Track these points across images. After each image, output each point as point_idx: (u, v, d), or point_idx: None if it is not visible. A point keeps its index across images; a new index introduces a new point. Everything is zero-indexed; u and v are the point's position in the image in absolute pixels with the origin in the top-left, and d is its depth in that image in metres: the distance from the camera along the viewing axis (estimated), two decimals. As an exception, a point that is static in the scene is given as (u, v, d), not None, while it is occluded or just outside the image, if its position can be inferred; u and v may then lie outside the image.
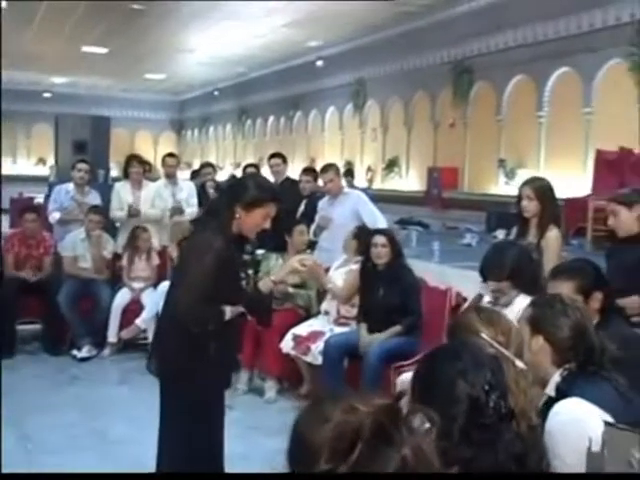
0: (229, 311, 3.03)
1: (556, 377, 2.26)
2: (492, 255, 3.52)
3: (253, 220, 3.04)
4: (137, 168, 7.08)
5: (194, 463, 3.07)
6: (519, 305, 3.33)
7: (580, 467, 1.70)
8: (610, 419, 2.01)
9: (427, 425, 0.99)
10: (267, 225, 3.11)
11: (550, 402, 2.16)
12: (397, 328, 4.90)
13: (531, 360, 2.35)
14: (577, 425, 1.92)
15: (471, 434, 1.31)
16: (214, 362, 3.01)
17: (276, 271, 5.71)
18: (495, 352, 1.90)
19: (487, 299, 3.46)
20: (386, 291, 4.98)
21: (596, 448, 1.63)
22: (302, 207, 6.83)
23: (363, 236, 5.42)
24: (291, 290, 5.70)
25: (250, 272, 3.26)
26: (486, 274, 3.48)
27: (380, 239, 5.00)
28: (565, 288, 2.97)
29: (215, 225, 3.01)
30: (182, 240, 6.27)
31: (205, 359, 2.98)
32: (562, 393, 2.17)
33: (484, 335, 1.98)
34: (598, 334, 2.30)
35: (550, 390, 2.28)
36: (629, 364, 2.28)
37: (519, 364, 1.93)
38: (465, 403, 1.34)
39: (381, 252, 4.97)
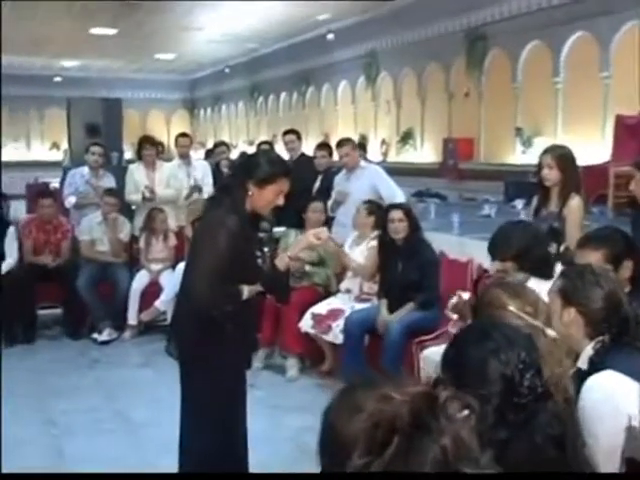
0: (246, 291, 3.00)
1: (589, 350, 2.21)
2: (498, 234, 3.35)
3: (266, 197, 3.00)
4: (150, 150, 7.03)
5: (217, 446, 3.05)
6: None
7: (616, 444, 1.65)
8: None
9: (466, 412, 0.94)
10: (280, 201, 3.06)
11: (583, 376, 2.11)
12: (411, 305, 4.88)
13: (563, 333, 2.30)
14: (611, 402, 1.87)
15: (506, 415, 1.26)
16: (233, 343, 2.98)
17: (284, 238, 5.76)
18: (525, 324, 1.85)
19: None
20: (404, 266, 4.94)
21: (635, 423, 1.58)
22: (318, 183, 6.77)
23: (377, 211, 5.38)
24: (308, 268, 5.67)
25: (266, 250, 3.21)
26: (492, 253, 3.37)
27: (397, 214, 4.95)
28: (594, 257, 2.90)
29: (228, 203, 2.97)
30: (196, 220, 6.25)
31: (224, 340, 2.95)
32: (595, 366, 2.12)
33: (511, 308, 1.93)
34: (632, 304, 2.24)
35: (583, 363, 2.24)
36: None
37: (550, 333, 1.88)
38: (499, 383, 1.30)
39: (398, 227, 4.92)
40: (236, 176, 3.15)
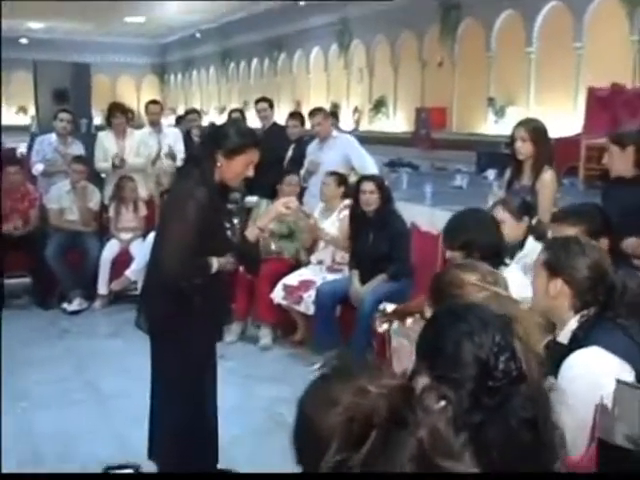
0: (216, 263, 2.98)
1: (573, 323, 2.22)
2: (449, 222, 3.30)
3: (235, 168, 2.96)
4: (120, 119, 6.89)
5: (188, 419, 3.05)
6: None
7: (587, 421, 1.67)
8: (630, 369, 1.98)
9: (442, 403, 0.93)
10: (250, 173, 3.03)
11: (563, 351, 2.13)
12: (382, 276, 4.88)
13: (549, 305, 2.31)
14: (591, 378, 1.88)
15: (481, 399, 1.26)
16: (202, 315, 2.97)
17: (256, 211, 5.74)
18: (490, 294, 1.85)
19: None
20: (375, 238, 4.94)
21: (607, 402, 1.60)
22: (290, 152, 6.74)
23: (344, 182, 5.44)
24: (274, 247, 5.65)
25: (236, 221, 3.18)
26: (443, 242, 3.34)
27: (368, 185, 4.93)
28: (571, 233, 2.92)
29: (196, 175, 2.93)
30: (164, 192, 6.18)
31: (193, 313, 2.94)
32: (578, 341, 2.13)
33: (473, 280, 1.92)
34: (617, 273, 2.25)
35: (564, 338, 2.25)
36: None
37: (516, 297, 1.89)
38: (473, 367, 1.29)
39: (370, 199, 4.91)
40: (205, 147, 3.10)
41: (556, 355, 2.15)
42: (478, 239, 3.00)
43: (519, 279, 2.86)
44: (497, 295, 1.86)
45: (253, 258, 3.37)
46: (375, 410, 0.91)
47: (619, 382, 1.67)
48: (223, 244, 3.03)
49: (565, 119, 12.76)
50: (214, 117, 27.41)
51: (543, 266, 2.34)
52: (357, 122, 19.94)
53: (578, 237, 2.44)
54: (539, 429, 1.25)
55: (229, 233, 3.07)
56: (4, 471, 2.86)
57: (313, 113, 6.30)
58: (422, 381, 1.29)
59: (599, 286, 2.23)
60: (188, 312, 2.93)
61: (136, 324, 3.11)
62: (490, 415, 1.25)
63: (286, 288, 5.27)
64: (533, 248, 3.31)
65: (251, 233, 3.14)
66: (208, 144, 3.07)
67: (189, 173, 3.00)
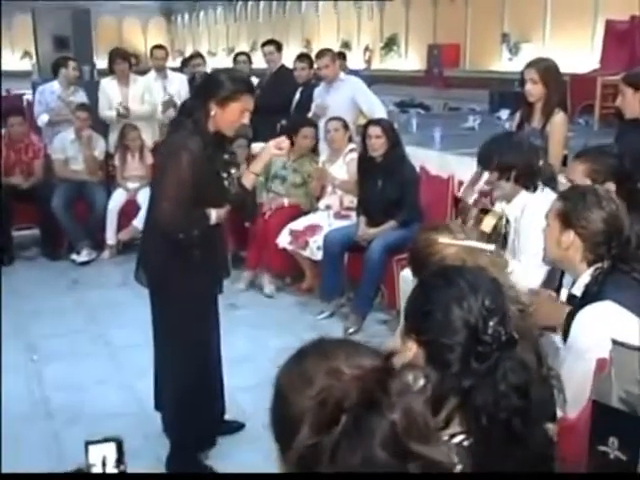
0: (214, 214, 2.97)
1: (586, 276, 2.20)
2: (485, 145, 3.43)
3: (230, 116, 2.92)
4: (121, 65, 6.76)
5: (190, 370, 3.07)
6: (520, 202, 3.24)
7: (586, 383, 1.66)
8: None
9: (421, 382, 0.92)
10: (245, 120, 3.01)
11: (576, 304, 2.11)
12: (392, 223, 4.85)
13: (561, 256, 2.29)
14: (601, 334, 1.86)
15: (470, 364, 1.26)
16: (202, 268, 2.97)
17: (279, 166, 5.70)
18: (461, 249, 1.84)
19: (474, 198, 3.38)
20: (384, 183, 4.89)
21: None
22: (297, 96, 6.63)
23: (347, 126, 5.45)
24: (286, 197, 5.63)
25: (233, 171, 3.16)
26: (480, 163, 3.40)
27: (375, 130, 4.86)
28: (577, 171, 2.91)
29: (190, 125, 2.89)
30: (157, 143, 6.13)
31: (192, 265, 2.94)
32: (591, 295, 2.11)
33: (442, 239, 1.90)
34: (633, 227, 2.21)
35: (577, 290, 2.23)
36: None
37: (488, 247, 1.89)
38: (462, 331, 1.28)
39: (376, 143, 4.84)
40: (197, 96, 3.05)
41: (570, 308, 2.14)
42: (513, 160, 3.18)
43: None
44: (467, 248, 1.86)
45: (249, 205, 3.37)
46: (346, 394, 0.90)
47: (615, 343, 1.65)
48: (220, 195, 3.01)
49: (582, 55, 12.49)
50: (222, 59, 27.07)
51: (557, 216, 2.30)
52: (368, 61, 19.62)
53: (596, 188, 2.39)
54: (529, 394, 1.24)
55: (226, 183, 3.04)
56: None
57: (320, 55, 6.18)
58: (410, 346, 1.28)
59: (613, 240, 2.19)
60: (187, 265, 2.93)
61: (135, 278, 3.13)
62: (480, 380, 1.25)
63: (292, 233, 5.27)
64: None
65: (247, 180, 3.13)
66: (201, 93, 3.03)
67: (182, 123, 2.96)
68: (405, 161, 4.98)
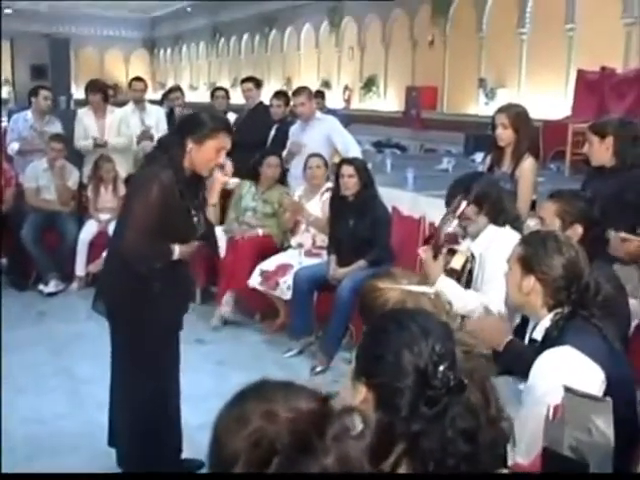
0: (177, 249, 2.95)
1: (546, 321, 2.21)
2: (458, 180, 3.49)
3: (206, 153, 2.92)
4: (95, 95, 6.74)
5: (146, 407, 3.02)
6: (486, 237, 3.29)
7: (539, 431, 1.66)
8: (600, 371, 1.97)
9: (360, 427, 0.91)
10: (220, 160, 3.01)
11: (537, 348, 2.12)
12: (361, 262, 4.85)
13: (523, 301, 2.30)
14: (558, 379, 1.86)
15: (419, 408, 1.25)
16: (162, 301, 2.94)
17: (249, 199, 5.72)
18: (402, 292, 1.87)
19: (454, 224, 3.41)
20: (355, 223, 4.91)
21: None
22: (273, 132, 6.67)
23: (326, 164, 5.46)
24: (258, 227, 5.65)
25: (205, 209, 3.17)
26: (451, 197, 3.43)
27: (347, 169, 4.89)
28: (549, 210, 2.97)
29: (164, 159, 2.90)
30: (130, 175, 6.12)
31: (152, 299, 2.91)
32: (551, 339, 2.12)
33: (383, 284, 1.94)
34: (592, 273, 2.23)
35: (538, 334, 2.24)
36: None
37: (429, 290, 1.92)
38: (412, 375, 1.28)
39: (348, 183, 4.87)
40: (175, 132, 3.08)
41: (530, 352, 2.15)
42: (490, 193, 3.31)
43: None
44: (409, 292, 1.90)
45: (211, 240, 3.39)
46: (279, 436, 0.89)
47: (567, 390, 1.65)
48: (188, 231, 3.00)
49: (556, 101, 12.71)
50: (203, 93, 27.22)
51: (518, 261, 2.32)
52: (347, 100, 19.81)
53: (556, 233, 2.41)
54: (477, 439, 1.23)
55: (195, 220, 3.04)
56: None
57: (296, 92, 6.24)
58: (360, 389, 1.27)
59: (573, 286, 2.20)
60: (146, 296, 2.90)
61: (93, 307, 3.10)
62: (428, 425, 1.24)
63: (263, 273, 5.25)
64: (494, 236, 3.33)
65: (211, 213, 3.16)
66: (179, 130, 3.05)
67: (157, 158, 2.96)
68: (377, 201, 5.00)
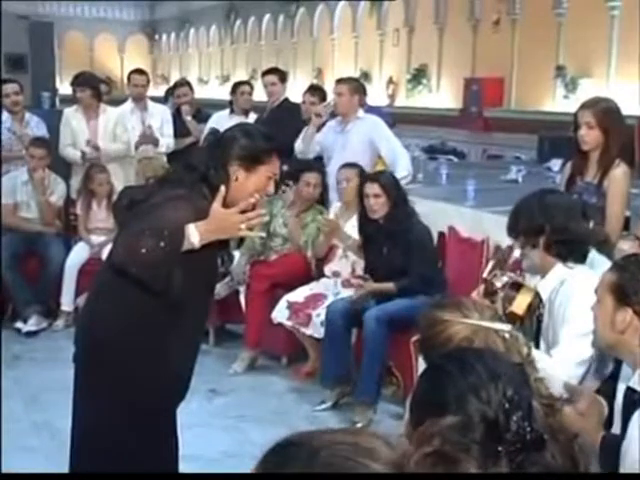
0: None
1: None
2: (517, 204, 3.36)
3: (256, 183, 2.86)
4: (85, 92, 6.78)
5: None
6: (555, 277, 3.14)
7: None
8: None
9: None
10: (270, 190, 3.00)
11: (635, 398, 2.12)
12: (390, 285, 4.93)
13: (615, 340, 2.30)
14: None
15: (487, 467, 1.27)
16: (169, 350, 2.87)
17: (279, 223, 5.78)
18: (471, 330, 1.89)
19: (504, 280, 3.35)
20: (389, 249, 4.99)
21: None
22: (303, 135, 6.71)
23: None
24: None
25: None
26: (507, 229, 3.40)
27: (372, 188, 4.96)
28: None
29: (201, 190, 2.80)
30: (150, 179, 6.19)
31: (157, 342, 2.85)
32: None
33: (448, 317, 1.95)
34: None
35: (635, 382, 2.24)
36: None
37: (504, 327, 1.93)
38: (479, 427, 1.30)
39: (375, 204, 4.95)
40: (214, 154, 2.91)
41: (628, 402, 2.15)
42: (541, 223, 3.08)
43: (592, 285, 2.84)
44: (477, 327, 1.92)
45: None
46: None
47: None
48: (208, 275, 3.01)
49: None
50: (215, 88, 27.53)
51: (609, 291, 2.32)
52: (392, 96, 19.92)
53: None
54: None
55: (219, 262, 3.05)
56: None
57: (339, 81, 6.34)
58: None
59: None
60: (150, 340, 2.84)
61: (75, 359, 2.99)
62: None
63: (291, 305, 5.30)
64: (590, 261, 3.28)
65: None
66: (217, 152, 2.92)
67: (194, 189, 2.81)
68: (412, 220, 5.05)
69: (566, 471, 1.30)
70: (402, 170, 5.87)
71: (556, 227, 3.10)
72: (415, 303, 4.77)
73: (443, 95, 18.79)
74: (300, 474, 0.99)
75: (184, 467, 3.21)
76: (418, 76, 19.27)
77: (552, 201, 3.25)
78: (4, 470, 3.95)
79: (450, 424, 1.28)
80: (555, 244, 3.11)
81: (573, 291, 2.96)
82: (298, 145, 6.37)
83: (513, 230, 3.25)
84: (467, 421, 1.31)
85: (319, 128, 6.43)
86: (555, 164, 8.70)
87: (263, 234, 5.42)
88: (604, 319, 2.34)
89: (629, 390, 2.33)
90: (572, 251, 3.14)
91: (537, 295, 3.17)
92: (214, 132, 6.74)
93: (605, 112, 4.21)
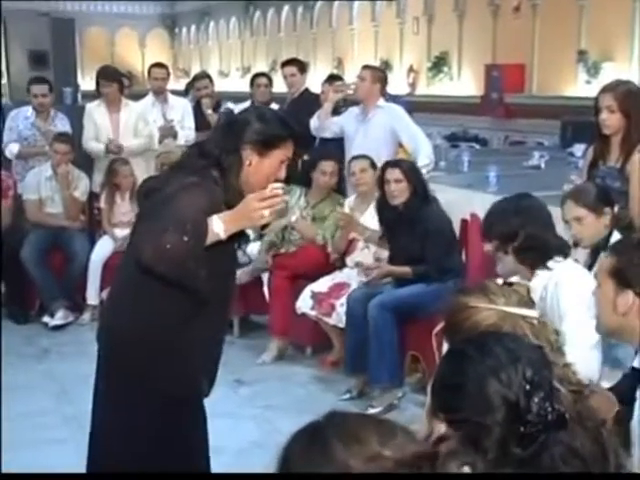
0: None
1: None
2: (491, 208, 3.42)
3: (269, 167, 2.81)
4: (108, 87, 6.86)
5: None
6: (543, 274, 3.20)
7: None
8: None
9: (466, 469, 0.95)
10: (282, 174, 2.88)
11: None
12: (406, 269, 4.95)
13: (617, 323, 2.29)
14: None
15: (510, 448, 1.28)
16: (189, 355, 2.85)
17: (296, 213, 5.77)
18: (498, 316, 1.89)
19: None
20: (409, 236, 4.97)
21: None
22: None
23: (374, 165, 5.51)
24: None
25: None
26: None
27: (393, 173, 4.97)
28: None
29: (213, 175, 2.76)
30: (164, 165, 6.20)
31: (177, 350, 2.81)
32: None
33: (474, 302, 1.94)
34: None
35: (638, 363, 2.24)
36: None
37: (532, 313, 1.92)
38: (501, 409, 1.31)
39: (395, 190, 4.95)
40: (226, 139, 2.86)
41: (632, 383, 2.15)
42: (514, 228, 3.16)
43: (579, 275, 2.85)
44: (504, 313, 1.91)
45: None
46: None
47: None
48: (226, 267, 2.96)
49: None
50: (236, 80, 27.57)
51: (610, 274, 2.31)
52: (412, 84, 19.85)
53: None
54: None
55: (239, 254, 3.02)
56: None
57: (364, 67, 6.37)
58: (438, 428, 1.31)
59: None
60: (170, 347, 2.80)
61: (98, 355, 2.98)
62: (522, 468, 1.27)
63: (315, 295, 5.31)
64: None
65: None
66: (230, 136, 2.86)
67: (196, 169, 2.80)
68: (431, 207, 5.06)
69: (593, 457, 1.30)
70: (424, 158, 5.86)
71: (530, 234, 3.18)
72: (426, 290, 4.79)
73: (464, 82, 18.70)
74: (301, 474, 0.99)
75: (214, 458, 3.21)
76: (438, 64, 19.19)
77: (527, 207, 3.33)
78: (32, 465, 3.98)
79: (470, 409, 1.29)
80: (523, 251, 3.19)
81: (562, 285, 3.02)
82: (314, 122, 6.33)
83: (487, 234, 3.28)
84: (487, 403, 1.32)
85: (335, 110, 6.44)
86: (578, 149, 8.65)
87: (285, 221, 5.45)
88: (606, 303, 2.33)
89: (633, 370, 2.33)
90: (537, 259, 3.21)
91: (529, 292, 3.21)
92: (229, 112, 6.77)
93: (626, 95, 4.19)
